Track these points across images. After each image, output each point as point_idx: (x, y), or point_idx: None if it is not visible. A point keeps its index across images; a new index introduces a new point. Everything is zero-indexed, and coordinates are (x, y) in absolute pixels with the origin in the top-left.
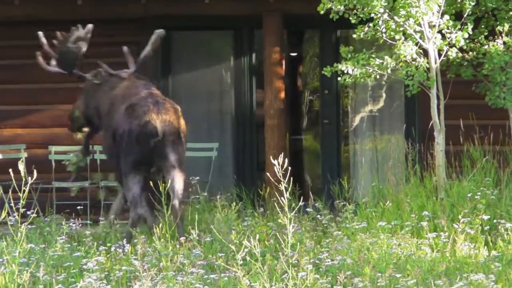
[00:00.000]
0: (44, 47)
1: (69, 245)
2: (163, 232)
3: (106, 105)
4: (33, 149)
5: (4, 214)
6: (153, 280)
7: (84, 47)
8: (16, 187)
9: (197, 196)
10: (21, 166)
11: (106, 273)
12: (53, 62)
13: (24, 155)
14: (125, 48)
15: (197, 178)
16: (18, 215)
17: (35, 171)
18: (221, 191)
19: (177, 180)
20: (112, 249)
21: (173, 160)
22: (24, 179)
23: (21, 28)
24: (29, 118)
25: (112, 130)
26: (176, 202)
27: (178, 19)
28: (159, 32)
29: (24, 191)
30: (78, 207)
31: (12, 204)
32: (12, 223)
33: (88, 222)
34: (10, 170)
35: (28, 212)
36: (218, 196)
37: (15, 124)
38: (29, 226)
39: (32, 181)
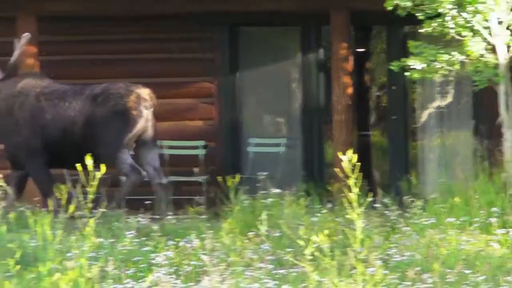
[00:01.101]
0: None
1: (137, 240)
2: (231, 227)
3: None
4: None
5: (72, 208)
6: (222, 275)
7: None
8: (84, 181)
9: (265, 191)
10: (89, 161)
11: (175, 267)
12: None
13: None
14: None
15: (265, 173)
16: (87, 210)
17: (102, 165)
18: (289, 186)
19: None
20: (181, 243)
21: (154, 137)
22: (92, 173)
23: (81, 24)
24: None
25: (69, 119)
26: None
27: (245, 15)
28: (26, 35)
29: (92, 185)
30: (146, 202)
31: (81, 198)
32: (80, 217)
33: (156, 216)
34: (78, 164)
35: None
36: (286, 191)
37: None
38: (98, 221)
39: (100, 175)
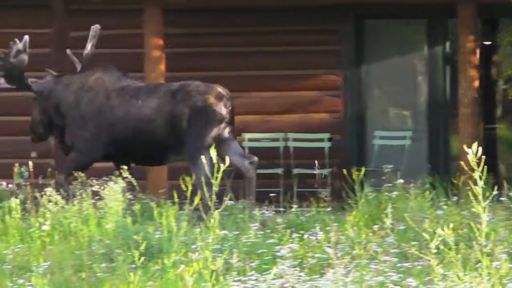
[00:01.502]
0: None
1: (262, 232)
2: (356, 219)
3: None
4: None
5: (197, 200)
6: (346, 268)
7: (25, 58)
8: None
9: (390, 184)
10: (213, 153)
11: (299, 260)
12: (1, 80)
13: None
14: (68, 51)
15: (390, 166)
16: (211, 202)
17: (226, 157)
18: (414, 179)
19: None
20: (305, 236)
21: (234, 134)
22: (217, 166)
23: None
24: None
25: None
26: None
27: (371, 7)
28: (95, 27)
29: (217, 177)
30: (271, 194)
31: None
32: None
33: (281, 209)
34: (202, 156)
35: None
36: (411, 184)
37: None
38: (222, 213)
39: (224, 167)
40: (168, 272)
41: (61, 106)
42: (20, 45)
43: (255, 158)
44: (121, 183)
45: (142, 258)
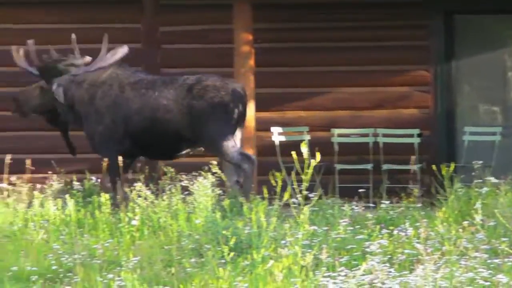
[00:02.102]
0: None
1: (351, 228)
2: (446, 215)
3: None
4: (315, 131)
5: (287, 196)
6: (436, 264)
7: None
8: (298, 169)
9: (481, 180)
10: (304, 148)
11: (389, 256)
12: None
13: (307, 137)
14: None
15: (480, 162)
16: (301, 197)
17: (317, 153)
18: (504, 175)
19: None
20: (395, 232)
21: (242, 128)
22: (307, 161)
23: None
24: (312, 101)
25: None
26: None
27: (462, 2)
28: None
29: (306, 173)
30: (360, 190)
31: (295, 186)
32: (294, 205)
33: (371, 205)
34: (293, 152)
35: (311, 195)
36: (501, 180)
37: (298, 106)
38: (312, 208)
39: (315, 163)
40: (257, 267)
41: (75, 104)
42: (79, 61)
43: (252, 156)
44: (211, 178)
45: (232, 253)
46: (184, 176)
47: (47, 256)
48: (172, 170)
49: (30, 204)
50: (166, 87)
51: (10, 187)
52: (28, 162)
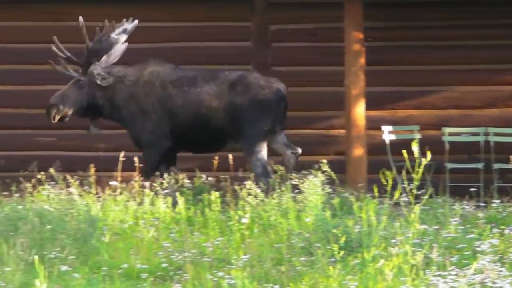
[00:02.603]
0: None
1: (462, 227)
2: None
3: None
4: (426, 130)
5: (397, 194)
6: None
7: (123, 39)
8: (409, 168)
9: None
10: (415, 147)
11: (500, 255)
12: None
13: (417, 136)
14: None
15: None
16: (411, 196)
17: (428, 152)
18: None
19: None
20: (506, 231)
21: (283, 127)
22: (417, 160)
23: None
24: (423, 99)
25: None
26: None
27: None
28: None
29: (417, 172)
30: (471, 189)
31: (406, 185)
32: (405, 204)
33: (481, 204)
34: (404, 151)
35: (421, 193)
36: None
37: (409, 105)
38: (422, 207)
39: (425, 162)
40: (367, 266)
41: (116, 99)
42: (130, 25)
43: (299, 150)
44: (321, 177)
45: (341, 252)
46: (294, 175)
47: (157, 254)
48: (282, 168)
49: (140, 202)
50: (208, 82)
51: (121, 185)
52: (137, 160)
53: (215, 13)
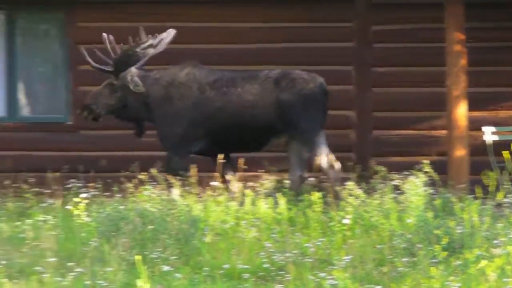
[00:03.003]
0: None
1: None
2: None
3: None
4: None
5: (500, 195)
6: None
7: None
8: (511, 169)
9: None
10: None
11: None
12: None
13: None
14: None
15: None
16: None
17: None
18: None
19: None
20: None
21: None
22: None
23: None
24: None
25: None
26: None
27: None
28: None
29: None
30: None
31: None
32: (507, 204)
33: None
34: (505, 152)
35: None
36: None
37: (511, 106)
38: None
39: None
40: (469, 267)
41: (150, 101)
42: (153, 41)
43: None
44: (422, 178)
45: (444, 253)
46: (395, 175)
47: (259, 254)
48: (384, 169)
49: (242, 203)
50: (249, 82)
51: (222, 185)
52: (240, 161)
53: (317, 14)
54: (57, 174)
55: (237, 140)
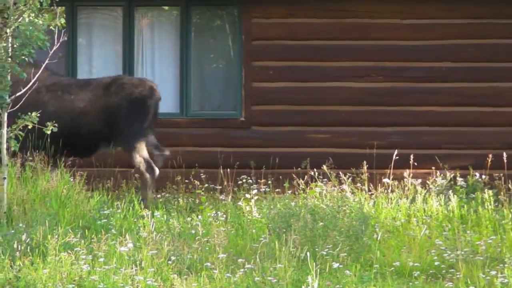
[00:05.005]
0: None
1: None
2: None
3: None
4: None
5: None
6: None
7: None
8: None
9: None
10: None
11: None
12: None
13: None
14: None
15: None
16: None
17: None
18: None
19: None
20: None
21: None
22: None
23: None
24: None
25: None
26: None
27: None
28: None
29: None
30: None
31: None
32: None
33: None
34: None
35: None
36: None
37: None
38: None
39: None
40: None
41: None
42: None
43: (167, 152)
44: None
45: None
46: None
47: (430, 252)
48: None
49: (413, 200)
50: (82, 89)
51: (394, 182)
52: (411, 157)
53: (492, 9)
54: (228, 170)
55: (76, 145)
